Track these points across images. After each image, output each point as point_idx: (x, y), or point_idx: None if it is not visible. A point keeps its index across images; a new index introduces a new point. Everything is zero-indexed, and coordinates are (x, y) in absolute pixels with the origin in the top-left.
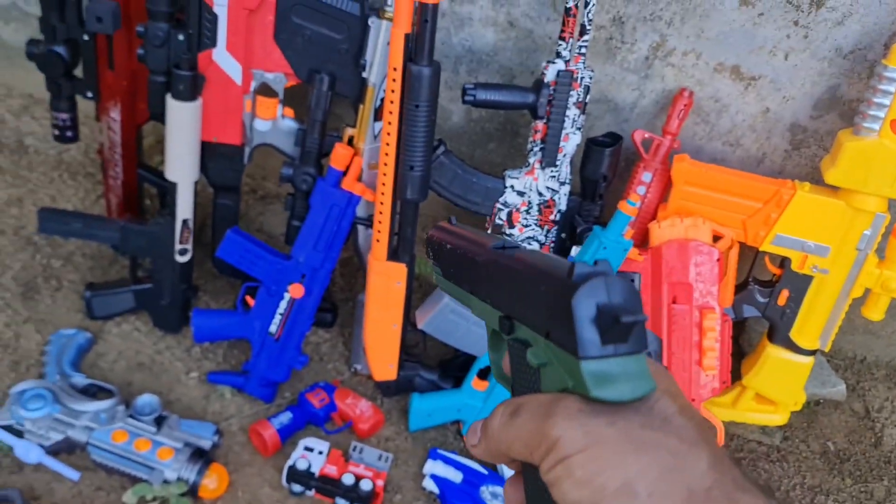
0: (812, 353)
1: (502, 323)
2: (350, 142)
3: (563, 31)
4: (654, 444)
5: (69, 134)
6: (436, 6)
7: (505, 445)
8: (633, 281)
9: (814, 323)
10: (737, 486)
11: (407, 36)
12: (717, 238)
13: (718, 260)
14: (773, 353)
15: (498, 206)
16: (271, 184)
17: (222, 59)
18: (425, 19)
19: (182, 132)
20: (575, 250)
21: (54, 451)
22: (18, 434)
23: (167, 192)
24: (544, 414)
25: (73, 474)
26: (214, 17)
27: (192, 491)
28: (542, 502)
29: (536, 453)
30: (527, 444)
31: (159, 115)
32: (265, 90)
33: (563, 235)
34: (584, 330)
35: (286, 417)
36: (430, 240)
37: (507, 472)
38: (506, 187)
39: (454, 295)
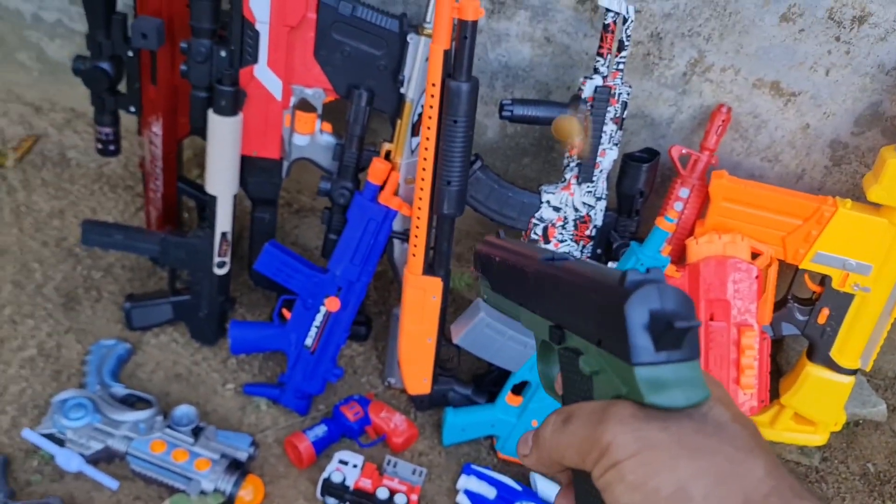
0: (853, 372)
1: (553, 333)
2: (387, 156)
3: (601, 46)
4: (709, 450)
5: (112, 148)
6: (475, 23)
7: (557, 453)
8: None
9: (855, 342)
10: (794, 494)
11: (446, 52)
12: (755, 255)
13: (757, 277)
14: (813, 372)
15: (534, 221)
16: (306, 197)
17: (263, 75)
18: (464, 36)
19: (223, 146)
20: (612, 266)
21: (94, 460)
22: (60, 443)
23: (206, 205)
24: (597, 420)
25: (112, 483)
26: (256, 34)
27: (229, 502)
28: None
29: (589, 459)
30: (579, 451)
31: (200, 130)
32: (304, 105)
33: (599, 251)
34: (637, 336)
35: (321, 430)
36: (478, 254)
37: (542, 488)
38: (542, 202)
39: (502, 308)
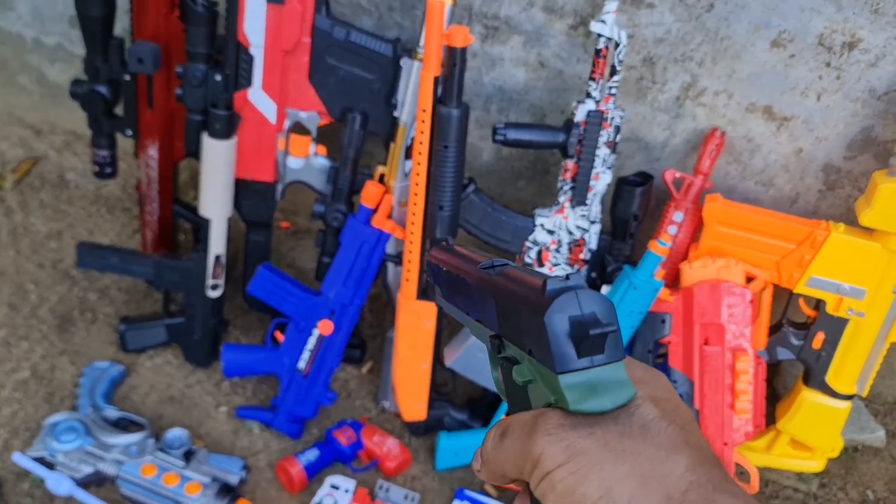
0: (849, 397)
1: (492, 342)
2: (381, 179)
3: (593, 71)
4: (632, 452)
5: (108, 170)
6: (464, 50)
7: (499, 467)
8: (663, 322)
9: (850, 367)
10: (715, 488)
11: (436, 78)
12: (749, 279)
13: (751, 301)
14: (809, 398)
15: (527, 244)
16: (302, 219)
17: (258, 98)
18: (454, 62)
19: (217, 169)
20: (605, 289)
21: (85, 483)
22: (50, 466)
23: (201, 227)
24: (528, 432)
25: None
26: (250, 58)
27: None
28: None
29: (525, 471)
30: (515, 464)
31: (195, 153)
32: (298, 128)
33: (594, 274)
34: (558, 345)
35: (313, 454)
36: (429, 262)
37: None
38: (535, 226)
39: (454, 315)
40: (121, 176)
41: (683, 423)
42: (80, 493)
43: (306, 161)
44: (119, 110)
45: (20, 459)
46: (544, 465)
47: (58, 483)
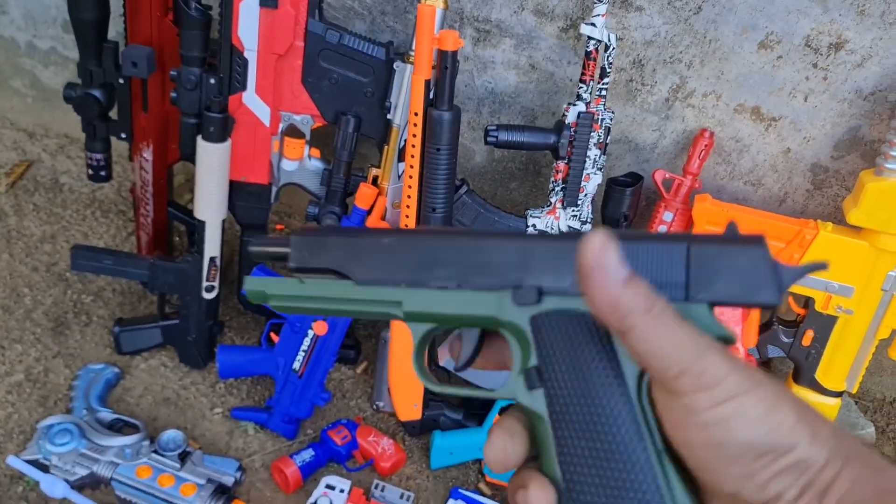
0: (839, 394)
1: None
2: (374, 181)
3: (583, 73)
4: (784, 389)
5: (103, 173)
6: (455, 53)
7: (659, 334)
8: None
9: (839, 364)
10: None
11: (427, 82)
12: None
13: None
14: (799, 395)
15: None
16: (296, 221)
17: (252, 101)
18: (445, 66)
19: (211, 172)
20: None
21: (79, 485)
22: (44, 469)
23: (195, 230)
24: (709, 344)
25: None
26: (245, 62)
27: None
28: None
29: (685, 376)
30: (671, 355)
31: (189, 156)
32: (292, 131)
33: None
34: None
35: (308, 454)
36: (300, 247)
37: None
38: (528, 226)
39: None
40: (115, 179)
41: None
42: (75, 496)
43: (300, 163)
44: (113, 114)
45: (14, 462)
46: (730, 388)
47: (52, 486)
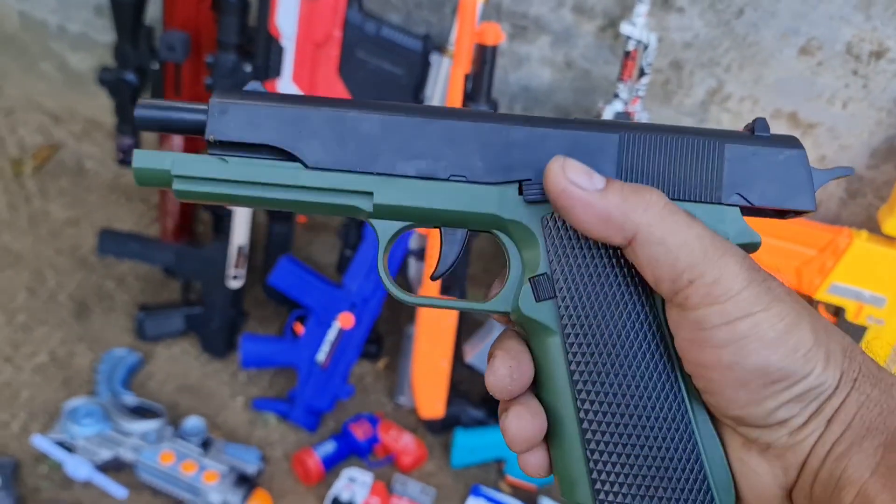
0: None
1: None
2: None
3: (622, 73)
4: (806, 307)
5: (131, 158)
6: (495, 48)
7: (661, 233)
8: None
9: None
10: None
11: (466, 76)
12: None
13: None
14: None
15: None
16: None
17: (287, 89)
18: (484, 60)
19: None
20: None
21: (103, 468)
22: (70, 450)
23: (222, 218)
24: (722, 250)
25: (120, 492)
26: (281, 50)
27: None
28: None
29: (695, 284)
30: (683, 265)
31: None
32: None
33: None
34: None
35: (330, 447)
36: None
37: None
38: None
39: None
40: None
41: None
42: (99, 478)
43: None
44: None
45: (40, 442)
46: (746, 303)
47: (77, 467)
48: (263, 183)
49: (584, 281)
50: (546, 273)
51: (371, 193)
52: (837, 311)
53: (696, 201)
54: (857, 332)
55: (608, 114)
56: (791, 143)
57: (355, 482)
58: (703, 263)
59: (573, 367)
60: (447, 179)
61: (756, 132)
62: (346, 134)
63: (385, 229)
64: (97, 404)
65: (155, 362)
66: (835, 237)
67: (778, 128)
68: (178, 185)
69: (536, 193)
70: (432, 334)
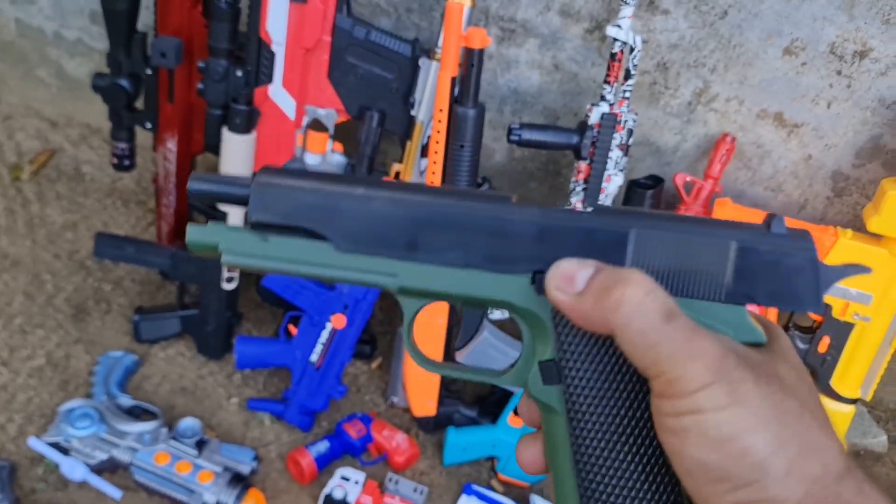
0: (853, 401)
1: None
2: (396, 177)
3: (608, 75)
4: (794, 415)
5: (127, 163)
6: (481, 51)
7: (631, 335)
8: None
9: (855, 371)
10: (864, 478)
11: (453, 79)
12: None
13: None
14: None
15: None
16: None
17: (278, 94)
18: (471, 63)
19: (236, 164)
20: None
21: (98, 469)
22: (65, 451)
23: (217, 221)
24: (689, 352)
25: (115, 493)
26: (272, 55)
27: None
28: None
29: (661, 376)
30: (655, 357)
31: (214, 147)
32: (315, 125)
33: None
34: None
35: (324, 446)
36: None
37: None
38: None
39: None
40: (136, 170)
41: (815, 390)
42: (94, 479)
43: (323, 157)
44: (139, 104)
45: (35, 444)
46: (700, 401)
47: (72, 468)
48: (301, 260)
49: (590, 369)
50: (554, 360)
51: (396, 275)
52: (824, 309)
53: (701, 299)
54: (843, 329)
55: (595, 116)
56: (804, 243)
57: (348, 481)
58: (666, 363)
59: (575, 447)
60: (466, 267)
61: (773, 230)
62: (371, 216)
63: (410, 306)
64: (92, 406)
65: (151, 364)
66: (820, 235)
67: (764, 128)
68: (227, 258)
69: None
70: (423, 333)
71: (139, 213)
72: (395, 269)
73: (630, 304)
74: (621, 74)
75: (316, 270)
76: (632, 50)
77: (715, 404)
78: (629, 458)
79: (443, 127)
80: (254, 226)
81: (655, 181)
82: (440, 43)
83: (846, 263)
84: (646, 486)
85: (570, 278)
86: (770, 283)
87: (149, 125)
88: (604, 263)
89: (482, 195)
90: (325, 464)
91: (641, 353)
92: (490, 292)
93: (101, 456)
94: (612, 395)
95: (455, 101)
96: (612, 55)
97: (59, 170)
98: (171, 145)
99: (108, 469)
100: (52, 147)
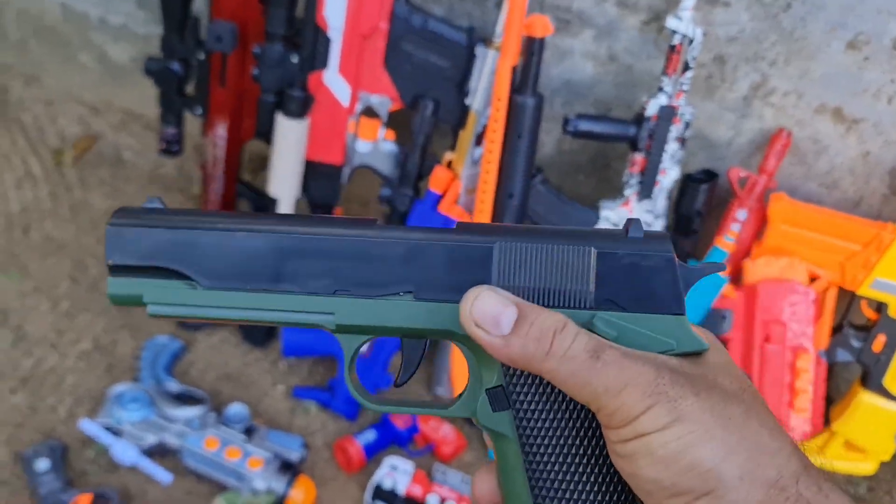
0: None
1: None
2: (448, 166)
3: (666, 66)
4: (738, 421)
5: (175, 148)
6: (542, 40)
7: (562, 373)
8: (723, 318)
9: None
10: (824, 477)
11: (513, 67)
12: (813, 279)
13: (814, 301)
14: (866, 399)
15: None
16: (354, 206)
17: (332, 81)
18: (532, 52)
19: (289, 149)
20: None
21: (148, 453)
22: (116, 434)
23: (264, 208)
24: (632, 378)
25: (166, 477)
26: (328, 41)
27: (279, 502)
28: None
29: (604, 409)
30: (593, 393)
31: (264, 134)
32: (367, 113)
33: None
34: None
35: (371, 435)
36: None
37: None
38: (600, 218)
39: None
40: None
41: (759, 396)
42: (145, 462)
43: (374, 145)
44: (188, 90)
45: (88, 426)
46: (642, 425)
47: (123, 451)
48: (232, 307)
49: (537, 392)
50: (502, 385)
51: (332, 313)
52: (880, 307)
53: (568, 308)
54: None
55: (653, 108)
56: (660, 245)
57: (397, 470)
58: (604, 397)
59: (530, 472)
60: (404, 298)
61: (630, 234)
62: (238, 253)
63: (349, 343)
64: (142, 390)
65: (196, 351)
66: (879, 232)
67: (822, 124)
68: (152, 310)
69: None
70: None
71: (181, 199)
72: (331, 307)
73: (558, 351)
74: (680, 66)
75: (253, 315)
76: (691, 42)
77: (656, 425)
78: (584, 478)
79: (501, 116)
80: (112, 269)
81: (709, 176)
82: (498, 31)
83: (705, 262)
84: None
85: (494, 320)
86: (631, 286)
87: (199, 110)
88: (523, 302)
89: (345, 221)
90: (373, 453)
91: (578, 393)
92: (431, 323)
93: (152, 440)
94: (562, 416)
95: (514, 89)
96: (672, 47)
97: (101, 155)
98: (222, 131)
99: (158, 453)
100: (93, 133)
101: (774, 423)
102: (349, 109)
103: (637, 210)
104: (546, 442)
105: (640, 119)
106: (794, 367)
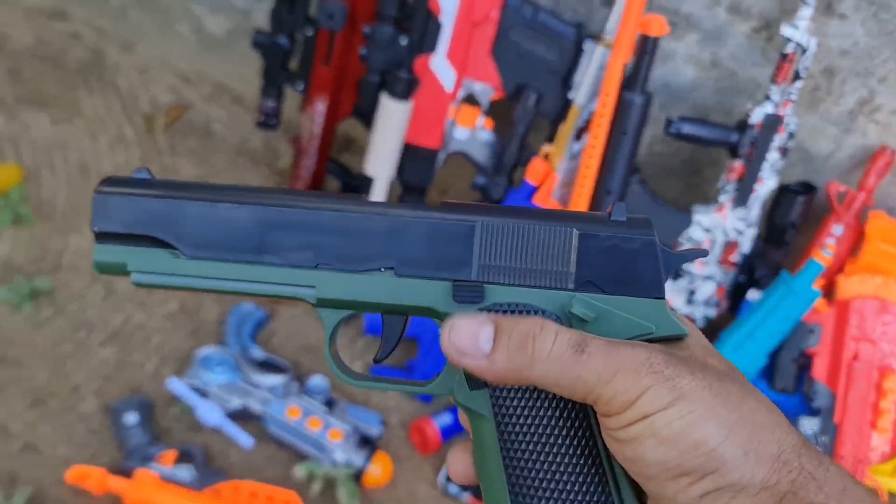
0: None
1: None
2: (545, 158)
3: (776, 75)
4: (737, 397)
5: (273, 121)
6: (657, 39)
7: (552, 377)
8: (811, 332)
9: None
10: (818, 450)
11: (624, 65)
12: None
13: None
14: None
15: (680, 240)
16: (434, 193)
17: (439, 65)
18: (645, 51)
19: (391, 130)
20: (753, 293)
21: (232, 416)
22: (203, 395)
23: (353, 187)
24: (622, 362)
25: (248, 441)
26: (438, 26)
27: (357, 475)
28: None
29: (601, 399)
30: (585, 386)
31: (364, 114)
32: (467, 100)
33: (742, 278)
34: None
35: (448, 418)
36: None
37: None
38: (692, 223)
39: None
40: (265, 132)
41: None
42: (229, 425)
43: (472, 133)
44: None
45: (175, 385)
46: (643, 406)
47: (209, 412)
48: (216, 277)
49: None
50: None
51: (313, 287)
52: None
53: (548, 288)
54: None
55: (758, 115)
56: (643, 229)
57: None
58: (597, 386)
59: (504, 451)
60: (382, 271)
61: (613, 217)
62: (221, 223)
63: (330, 318)
64: (228, 354)
65: (279, 321)
66: None
67: None
68: (135, 278)
69: (465, 296)
70: None
71: (267, 174)
72: (313, 280)
73: (542, 354)
74: (790, 76)
75: (235, 286)
76: (804, 52)
77: (659, 404)
78: (560, 458)
79: (608, 112)
80: (98, 236)
81: (806, 188)
82: (608, 28)
83: (688, 248)
84: (577, 488)
85: (473, 340)
86: (612, 269)
87: (301, 86)
88: (498, 316)
89: (330, 196)
90: (449, 436)
91: (570, 390)
92: (411, 299)
93: (236, 403)
94: (538, 397)
95: (622, 87)
96: (784, 55)
97: (191, 125)
98: (321, 107)
99: (241, 417)
100: (184, 102)
101: (767, 400)
102: (452, 95)
103: (730, 217)
104: (522, 422)
105: (742, 126)
106: (880, 387)
